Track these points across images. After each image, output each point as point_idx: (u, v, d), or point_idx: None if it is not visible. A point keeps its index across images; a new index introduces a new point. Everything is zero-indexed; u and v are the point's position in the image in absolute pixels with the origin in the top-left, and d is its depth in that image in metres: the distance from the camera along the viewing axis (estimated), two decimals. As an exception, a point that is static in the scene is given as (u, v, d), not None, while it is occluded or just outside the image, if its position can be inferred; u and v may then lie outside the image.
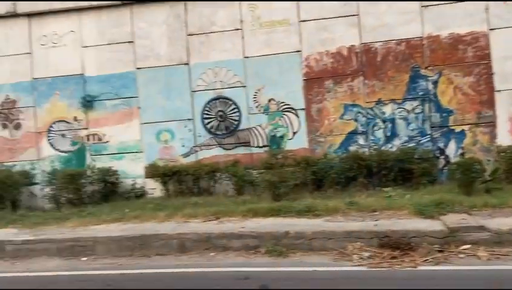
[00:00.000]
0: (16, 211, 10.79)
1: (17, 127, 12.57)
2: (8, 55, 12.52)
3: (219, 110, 11.85)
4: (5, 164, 12.43)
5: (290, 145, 11.47)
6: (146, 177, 11.94)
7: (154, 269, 6.29)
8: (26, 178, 12.06)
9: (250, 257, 6.63)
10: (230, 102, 11.81)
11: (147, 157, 12.09)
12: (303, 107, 11.50)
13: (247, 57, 11.72)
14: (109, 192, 11.76)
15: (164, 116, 12.09)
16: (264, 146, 11.63)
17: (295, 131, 11.54)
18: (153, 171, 11.57)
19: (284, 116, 11.59)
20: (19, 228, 8.86)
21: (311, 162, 10.57)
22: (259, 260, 6.48)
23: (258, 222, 7.73)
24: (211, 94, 11.89)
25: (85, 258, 7.19)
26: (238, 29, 11.75)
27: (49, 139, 12.44)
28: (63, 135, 12.42)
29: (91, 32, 12.35)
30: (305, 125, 11.47)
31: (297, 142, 11.46)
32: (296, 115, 11.53)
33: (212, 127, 11.90)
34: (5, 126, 12.58)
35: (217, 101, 11.87)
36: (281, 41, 11.57)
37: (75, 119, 12.38)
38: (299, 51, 11.54)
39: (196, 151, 11.94)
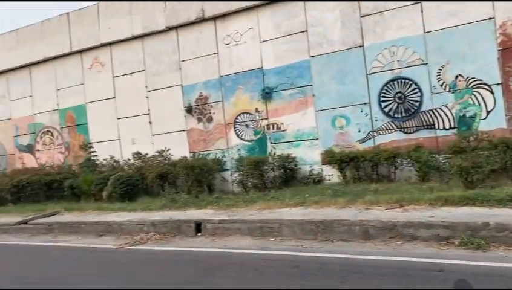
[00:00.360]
0: (212, 194, 12.16)
1: (209, 120, 14.13)
2: (200, 57, 14.14)
3: (398, 92, 11.21)
4: (201, 153, 14.15)
5: (483, 125, 10.16)
6: (323, 164, 12.11)
7: (338, 254, 6.29)
8: (219, 165, 13.51)
9: (442, 249, 6.07)
10: (410, 82, 11.05)
11: (323, 143, 12.23)
12: (499, 81, 10.03)
13: (428, 32, 10.77)
14: (289, 177, 12.32)
15: (338, 102, 12.04)
16: (451, 128, 10.57)
17: (489, 109, 10.16)
18: (329, 158, 11.63)
19: (475, 93, 10.30)
20: (215, 209, 9.95)
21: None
22: (453, 252, 5.89)
23: (449, 211, 7.04)
24: (388, 75, 11.32)
25: (272, 239, 7.65)
26: (416, 3, 10.87)
27: (235, 130, 13.66)
28: (246, 126, 13.48)
29: (268, 27, 13.04)
30: (502, 102, 10.00)
31: (492, 122, 10.07)
32: (491, 91, 10.13)
33: (390, 110, 11.34)
34: (199, 120, 14.28)
35: (395, 82, 11.25)
36: (468, 9, 10.26)
37: (256, 110, 13.29)
38: (491, 18, 10.06)
39: (374, 136, 11.56)
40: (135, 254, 7.80)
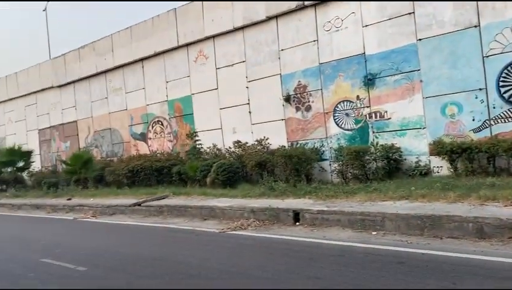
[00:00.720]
0: (310, 183, 12.05)
1: (308, 109, 13.98)
2: (299, 45, 14.01)
3: (521, 76, 9.96)
4: (299, 142, 14.09)
5: None
6: (431, 155, 11.28)
7: (447, 252, 5.80)
8: (317, 154, 13.32)
9: None
10: (537, 64, 9.74)
11: (432, 133, 11.38)
12: None
13: (562, 5, 9.36)
14: (393, 169, 11.70)
15: (449, 88, 11.08)
16: None
17: None
18: (438, 149, 10.77)
19: None
20: (313, 199, 9.85)
21: None
22: None
23: None
24: (509, 57, 10.11)
25: (374, 233, 7.33)
26: (547, -28, 9.50)
27: (335, 119, 13.33)
28: (347, 114, 13.07)
29: (371, 10, 12.43)
30: None
31: None
32: None
33: (510, 97, 10.14)
34: (298, 109, 14.20)
35: (518, 64, 10.00)
36: None
37: (357, 98, 12.82)
38: None
39: (491, 125, 10.45)
40: (236, 239, 8.04)
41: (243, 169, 14.23)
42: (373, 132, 12.53)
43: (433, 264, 5.36)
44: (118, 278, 5.99)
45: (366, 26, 12.52)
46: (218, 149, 16.08)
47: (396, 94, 12.02)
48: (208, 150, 16.33)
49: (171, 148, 18.41)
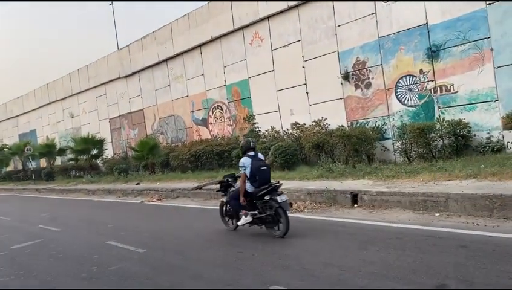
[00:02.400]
0: (371, 164, 11.62)
1: (368, 86, 13.41)
2: (356, 20, 13.41)
3: None
4: (359, 121, 13.60)
5: None
6: (504, 129, 10.37)
7: (519, 235, 5.31)
8: (378, 133, 12.79)
9: None
10: None
11: (505, 106, 10.45)
12: None
13: None
14: (461, 146, 10.94)
15: (526, 55, 10.04)
16: None
17: None
18: (513, 122, 9.88)
19: None
20: (373, 180, 9.48)
21: None
22: None
23: None
24: None
25: (437, 214, 6.90)
26: None
27: (397, 95, 12.68)
28: (410, 89, 12.37)
29: (433, -24, 11.55)
30: None
31: None
32: None
33: None
34: (357, 86, 13.68)
35: None
36: None
37: (421, 72, 12.07)
38: None
39: None
40: (292, 221, 7.93)
41: (301, 151, 14.05)
42: (439, 107, 11.76)
43: (501, 248, 4.92)
44: (173, 261, 6.17)
45: (430, -7, 11.66)
46: (276, 132, 16.00)
47: (463, 65, 11.14)
48: (266, 132, 16.32)
49: (231, 132, 18.63)
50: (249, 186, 6.99)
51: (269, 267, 5.28)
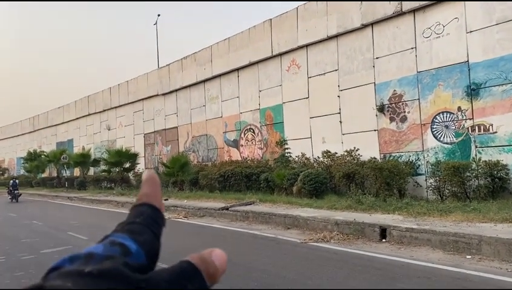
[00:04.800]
0: (402, 199, 11.37)
1: (403, 119, 13.26)
2: (395, 53, 13.40)
3: None
4: (392, 154, 13.40)
5: None
6: (546, 174, 9.98)
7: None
8: (411, 168, 12.55)
9: None
10: None
11: (547, 150, 10.07)
12: None
13: None
14: (497, 188, 10.58)
15: None
16: None
17: None
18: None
19: None
20: (403, 215, 9.27)
21: None
22: None
23: None
24: None
25: (468, 256, 6.66)
26: None
27: (432, 131, 12.46)
28: (446, 126, 12.15)
29: (477, 15, 11.46)
30: None
31: None
32: None
33: None
34: (392, 119, 13.54)
35: None
36: None
37: (459, 109, 11.85)
38: None
39: None
40: (317, 250, 7.85)
41: (331, 180, 13.94)
42: (476, 147, 11.46)
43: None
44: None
45: (470, 32, 11.55)
46: (306, 158, 15.97)
47: (503, 106, 10.88)
48: (296, 158, 16.31)
49: (261, 155, 18.72)
50: None
51: (291, 295, 5.21)
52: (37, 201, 26.52)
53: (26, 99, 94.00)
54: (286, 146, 17.03)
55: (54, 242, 10.08)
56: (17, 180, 28.22)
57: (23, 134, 47.14)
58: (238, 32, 19.85)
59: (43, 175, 39.12)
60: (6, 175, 49.38)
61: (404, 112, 13.20)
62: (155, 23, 30.33)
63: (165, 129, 25.80)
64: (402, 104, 13.25)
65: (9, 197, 26.10)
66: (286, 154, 16.80)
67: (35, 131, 44.52)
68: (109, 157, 26.05)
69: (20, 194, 26.42)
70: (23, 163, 42.09)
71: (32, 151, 40.17)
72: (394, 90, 13.45)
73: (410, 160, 12.86)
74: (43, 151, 38.44)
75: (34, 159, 38.23)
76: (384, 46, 13.77)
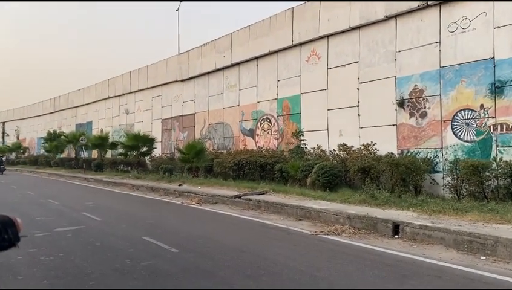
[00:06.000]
0: (417, 195, 11.16)
1: (423, 115, 12.97)
2: (418, 47, 13.07)
3: None
4: (410, 150, 13.15)
5: None
6: None
7: None
8: (429, 165, 12.29)
9: None
10: None
11: None
12: None
13: None
14: (517, 189, 10.27)
15: None
16: None
17: None
18: None
19: None
20: (418, 213, 9.10)
21: None
22: None
23: None
24: None
25: (483, 257, 6.49)
26: None
27: (453, 128, 12.17)
28: (467, 124, 11.84)
29: (506, 10, 11.06)
30: None
31: None
32: None
33: None
34: (412, 115, 13.26)
35: None
36: None
37: (481, 107, 11.52)
38: None
39: None
40: (327, 243, 7.78)
41: (345, 173, 13.78)
42: (497, 146, 11.15)
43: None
44: (203, 265, 6.19)
45: (498, 27, 11.18)
46: (322, 150, 15.81)
47: (529, 105, 10.53)
48: (312, 150, 16.16)
49: (276, 145, 18.62)
50: None
51: (296, 287, 5.16)
52: (54, 180, 27.03)
53: (49, 80, 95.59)
54: (302, 137, 16.88)
55: (68, 221, 10.24)
56: (3, 157, 39.55)
57: (44, 114, 48.00)
58: (259, 20, 19.67)
59: (62, 156, 39.82)
60: (26, 154, 50.48)
61: (424, 107, 12.91)
62: (178, 9, 30.35)
63: (182, 115, 25.89)
64: (423, 99, 12.95)
65: None
66: (302, 146, 16.66)
67: (55, 112, 45.26)
68: (127, 140, 26.30)
69: (5, 169, 35.75)
70: (43, 143, 42.91)
71: (52, 131, 40.89)
72: (416, 85, 13.15)
73: (428, 157, 12.61)
74: (63, 132, 39.09)
75: (53, 140, 38.92)
76: (406, 40, 13.44)
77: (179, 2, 30.90)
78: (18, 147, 51.14)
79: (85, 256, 6.73)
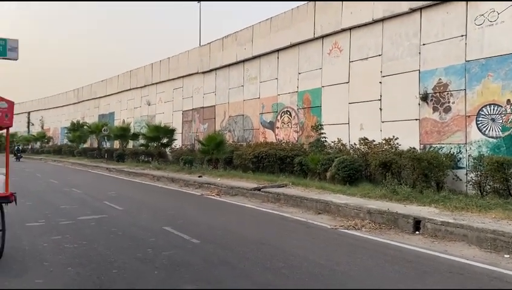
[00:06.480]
0: (439, 191, 10.99)
1: (447, 110, 12.73)
2: (443, 40, 12.79)
3: None
4: (433, 145, 12.94)
5: None
6: None
7: None
8: (452, 161, 12.08)
9: None
10: None
11: None
12: None
13: None
14: (544, 187, 10.02)
15: None
16: None
17: None
18: None
19: None
20: (440, 209, 8.97)
21: None
22: None
23: None
24: None
25: (507, 256, 6.37)
26: None
27: (477, 123, 11.91)
28: (493, 119, 11.57)
29: (536, 1, 10.72)
30: None
31: None
32: None
33: None
34: (435, 109, 13.03)
35: None
36: None
37: (508, 102, 11.24)
38: None
39: None
40: (347, 237, 7.76)
41: (366, 168, 13.66)
42: (524, 143, 10.87)
43: None
44: (224, 256, 6.26)
45: (528, 20, 10.84)
46: (342, 144, 15.70)
47: (558, 101, 10.21)
48: (332, 144, 16.06)
49: (296, 138, 18.57)
50: None
51: (315, 281, 5.17)
52: (78, 170, 27.62)
53: (73, 71, 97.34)
54: (322, 131, 16.78)
55: (91, 210, 10.47)
56: (20, 147, 43.61)
57: (67, 105, 48.95)
58: (281, 12, 19.56)
59: (85, 145, 40.60)
60: (50, 143, 51.66)
61: (448, 102, 12.66)
62: (199, 0, 30.35)
63: (203, 107, 26.03)
64: (447, 93, 12.70)
65: (15, 157, 37.35)
66: (322, 139, 16.56)
67: (79, 102, 46.10)
68: (148, 132, 26.63)
69: (21, 156, 39.53)
70: (66, 133, 43.81)
71: (75, 121, 41.71)
72: (440, 79, 12.89)
73: (451, 152, 12.38)
74: (86, 123, 39.83)
75: (77, 130, 39.70)
76: (431, 33, 13.16)
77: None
78: (42, 137, 52.37)
79: (107, 244, 6.89)
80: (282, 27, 19.31)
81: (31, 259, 6.05)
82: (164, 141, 26.71)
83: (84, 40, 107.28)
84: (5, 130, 6.57)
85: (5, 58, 19.32)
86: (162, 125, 27.02)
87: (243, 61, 22.26)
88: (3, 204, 5.99)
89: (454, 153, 12.34)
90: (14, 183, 6.25)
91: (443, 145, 12.69)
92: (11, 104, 5.89)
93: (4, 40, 19.00)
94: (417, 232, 8.02)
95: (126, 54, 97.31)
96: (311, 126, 17.49)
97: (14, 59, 19.57)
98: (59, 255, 6.21)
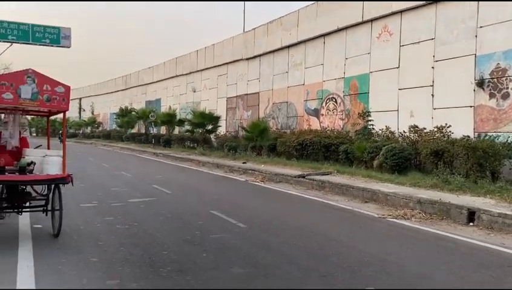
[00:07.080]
0: (495, 182, 10.45)
1: (505, 96, 12.03)
2: (504, 22, 12.02)
3: None
4: (488, 133, 12.29)
5: None
6: None
7: None
8: (509, 150, 11.42)
9: None
10: None
11: None
12: None
13: None
14: None
15: None
16: None
17: None
18: None
19: None
20: (496, 200, 8.54)
21: None
22: None
23: None
24: None
25: None
26: None
27: (538, 111, 11.17)
28: (557, 106, 10.81)
29: None
30: None
31: None
32: None
33: None
34: (492, 96, 12.34)
35: None
36: None
37: None
38: None
39: None
40: (396, 227, 7.55)
41: (416, 156, 13.21)
42: None
43: None
44: (271, 241, 6.26)
45: None
46: (390, 132, 15.23)
47: None
48: (380, 132, 15.62)
49: (342, 126, 18.23)
50: None
51: (367, 269, 5.06)
52: (126, 154, 28.59)
53: (122, 57, 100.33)
54: (369, 118, 16.32)
55: (141, 193, 10.79)
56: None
57: (116, 91, 50.61)
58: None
59: (133, 131, 41.91)
60: (100, 128, 53.76)
61: (507, 88, 11.94)
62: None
63: (247, 94, 26.07)
64: (506, 79, 11.97)
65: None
66: (369, 127, 16.14)
67: (127, 89, 47.52)
68: (193, 118, 27.07)
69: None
70: (115, 118, 45.40)
71: (123, 107, 43.08)
72: (498, 63, 12.16)
73: (508, 141, 11.70)
74: (134, 109, 41.04)
75: (125, 116, 41.03)
76: (490, 15, 12.40)
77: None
78: (93, 122, 54.57)
79: (157, 226, 7.07)
80: (329, 11, 18.88)
81: (86, 238, 6.31)
82: (209, 127, 27.07)
83: (132, 28, 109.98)
84: (60, 115, 6.84)
85: (59, 46, 20.23)
86: (207, 112, 27.37)
87: (288, 46, 22.02)
88: (61, 185, 6.27)
89: (511, 142, 11.66)
90: (69, 165, 6.51)
91: (499, 134, 12.03)
92: (67, 88, 6.11)
93: (57, 28, 19.85)
94: (471, 224, 7.67)
95: (174, 42, 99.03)
96: (358, 113, 17.08)
97: (67, 47, 20.43)
98: (111, 235, 6.43)
